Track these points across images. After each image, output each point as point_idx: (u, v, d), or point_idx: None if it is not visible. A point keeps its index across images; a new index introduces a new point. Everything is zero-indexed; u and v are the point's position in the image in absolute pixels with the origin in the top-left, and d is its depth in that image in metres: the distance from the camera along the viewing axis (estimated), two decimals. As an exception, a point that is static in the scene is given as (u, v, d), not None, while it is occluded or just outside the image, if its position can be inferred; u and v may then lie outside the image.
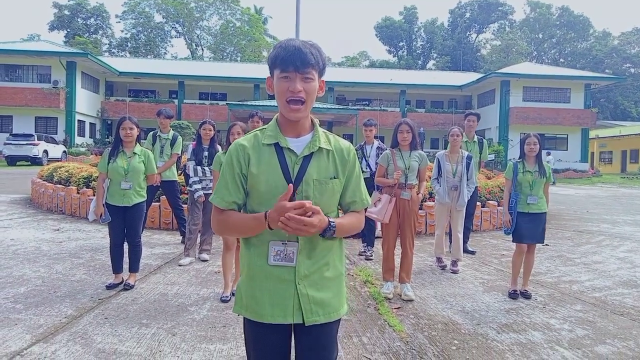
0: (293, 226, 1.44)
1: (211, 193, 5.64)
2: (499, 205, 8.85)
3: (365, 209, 1.84)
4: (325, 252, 1.64)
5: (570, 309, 4.41)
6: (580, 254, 6.96)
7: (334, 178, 1.64)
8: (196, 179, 5.69)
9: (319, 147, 1.62)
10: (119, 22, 62.72)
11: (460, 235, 5.77)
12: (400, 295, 4.64)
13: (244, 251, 1.67)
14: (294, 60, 1.51)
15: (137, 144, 4.75)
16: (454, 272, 5.66)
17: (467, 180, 5.68)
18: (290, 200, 1.49)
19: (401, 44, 70.84)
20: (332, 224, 1.55)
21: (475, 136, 6.93)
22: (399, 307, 4.35)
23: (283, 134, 1.62)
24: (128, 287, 4.58)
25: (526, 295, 4.70)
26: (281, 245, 1.58)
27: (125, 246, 4.74)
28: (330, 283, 1.65)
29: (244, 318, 1.67)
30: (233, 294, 4.42)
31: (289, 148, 1.60)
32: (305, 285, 1.59)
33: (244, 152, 1.62)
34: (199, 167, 5.68)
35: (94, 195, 6.07)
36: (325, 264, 1.64)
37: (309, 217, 1.47)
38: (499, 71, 36.53)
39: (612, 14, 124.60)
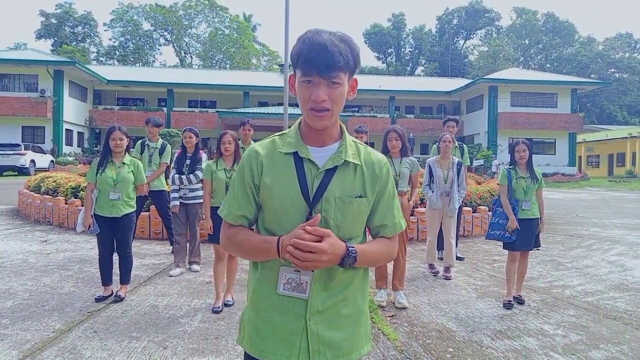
0: (300, 255, 1.23)
1: (192, 203, 5.60)
2: (489, 211, 8.87)
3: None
4: (345, 285, 1.40)
5: (563, 314, 4.41)
6: (572, 258, 7.00)
7: (361, 197, 1.40)
8: (175, 187, 5.61)
9: (345, 160, 1.39)
10: (107, 30, 62.69)
11: (453, 241, 5.76)
12: (394, 303, 4.61)
13: (251, 273, 1.46)
14: (317, 63, 1.26)
15: (127, 153, 4.69)
16: (447, 278, 5.65)
17: (458, 186, 5.69)
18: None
19: (390, 50, 71.27)
20: (351, 249, 1.31)
21: (456, 141, 6.98)
22: (392, 315, 4.32)
23: (305, 142, 1.40)
24: (118, 299, 4.50)
25: (520, 301, 4.70)
26: (293, 273, 1.35)
27: (115, 257, 4.67)
28: (346, 322, 1.41)
29: (244, 351, 1.46)
30: (225, 305, 4.37)
31: (309, 159, 1.38)
32: (316, 322, 1.36)
33: (257, 160, 1.40)
34: (177, 176, 5.60)
35: (82, 205, 5.98)
36: (343, 299, 1.40)
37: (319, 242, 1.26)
38: (487, 77, 36.88)
39: (596, 20, 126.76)
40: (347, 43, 1.32)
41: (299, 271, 1.34)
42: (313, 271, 1.34)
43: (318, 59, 1.26)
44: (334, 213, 1.35)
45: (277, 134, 1.48)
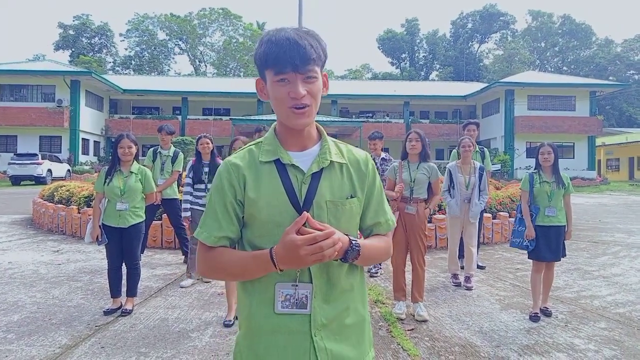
0: (312, 249, 1.13)
1: None
2: (510, 217, 8.60)
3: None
4: (346, 294, 1.32)
5: (594, 327, 4.15)
6: (598, 266, 6.69)
7: (352, 197, 1.33)
8: (188, 197, 5.32)
9: (330, 160, 1.32)
10: (123, 40, 63.55)
11: (474, 249, 5.53)
12: (414, 316, 4.39)
13: (242, 298, 1.33)
14: (291, 58, 1.20)
15: (135, 161, 4.57)
16: (468, 288, 5.40)
17: (481, 191, 5.45)
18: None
19: (404, 55, 71.03)
20: (354, 242, 1.23)
21: (477, 146, 6.73)
22: (412, 329, 4.10)
23: (284, 147, 1.32)
24: (125, 313, 4.36)
25: (546, 313, 4.44)
26: (291, 288, 1.25)
27: (124, 269, 4.53)
28: (350, 332, 1.32)
29: None
30: (225, 326, 4.13)
31: (293, 165, 1.29)
32: (322, 337, 1.26)
33: (238, 174, 1.29)
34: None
35: (93, 215, 5.85)
36: (346, 308, 1.31)
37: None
38: (503, 80, 36.35)
39: (614, 22, 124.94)
40: (314, 36, 1.27)
41: (296, 285, 1.25)
42: (312, 283, 1.26)
43: (291, 54, 1.20)
44: (327, 218, 1.28)
45: (251, 143, 1.38)
